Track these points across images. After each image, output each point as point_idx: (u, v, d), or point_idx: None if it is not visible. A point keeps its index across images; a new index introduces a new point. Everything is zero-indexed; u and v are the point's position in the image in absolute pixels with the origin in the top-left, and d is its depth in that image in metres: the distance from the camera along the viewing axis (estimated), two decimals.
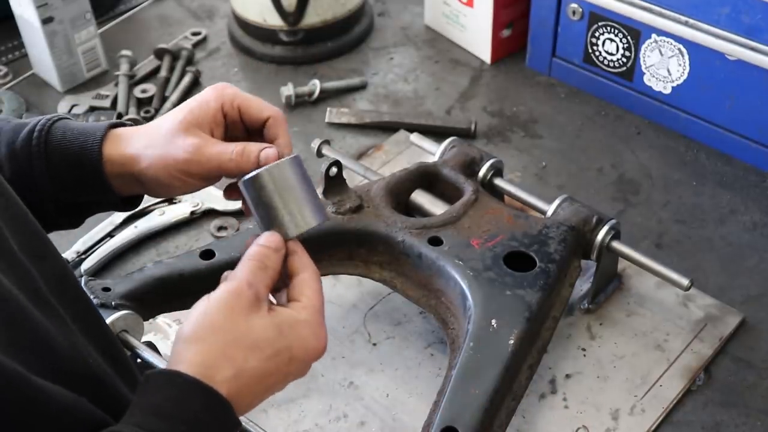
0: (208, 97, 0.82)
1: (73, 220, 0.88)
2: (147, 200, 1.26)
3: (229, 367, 0.68)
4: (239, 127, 0.83)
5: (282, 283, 0.77)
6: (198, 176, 0.80)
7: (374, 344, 1.11)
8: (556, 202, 1.10)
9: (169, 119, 0.81)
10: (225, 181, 0.84)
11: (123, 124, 0.84)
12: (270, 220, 0.77)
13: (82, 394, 0.64)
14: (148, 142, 0.81)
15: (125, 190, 0.84)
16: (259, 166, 0.78)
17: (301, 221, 0.77)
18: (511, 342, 0.95)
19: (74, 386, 0.64)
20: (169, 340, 1.10)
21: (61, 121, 0.83)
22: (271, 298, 0.76)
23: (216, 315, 0.69)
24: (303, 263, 0.77)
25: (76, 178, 0.81)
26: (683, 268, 1.10)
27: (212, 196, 1.26)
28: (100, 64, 1.53)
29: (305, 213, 0.77)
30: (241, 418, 0.98)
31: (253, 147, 0.79)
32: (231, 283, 0.71)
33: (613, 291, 1.15)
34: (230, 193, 0.84)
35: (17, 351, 0.61)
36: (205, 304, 0.70)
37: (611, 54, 1.41)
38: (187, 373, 0.66)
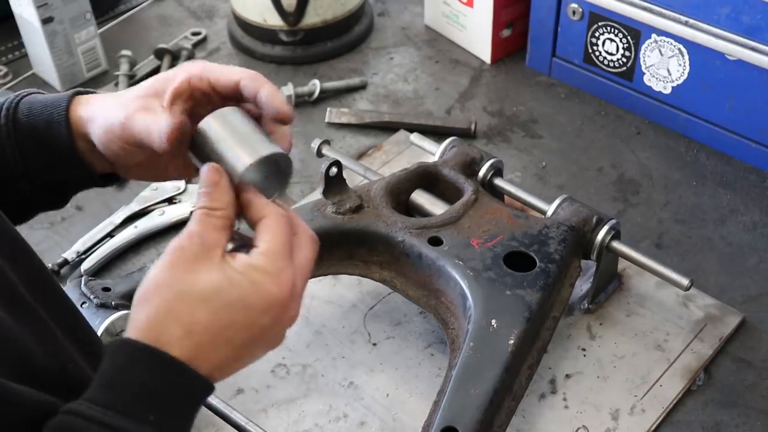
0: (175, 70, 0.78)
1: (54, 200, 0.84)
2: (147, 200, 1.27)
3: (176, 325, 0.64)
4: (214, 99, 0.78)
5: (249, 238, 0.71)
6: (130, 142, 0.76)
7: (374, 344, 1.11)
8: (556, 202, 1.10)
9: (136, 87, 0.79)
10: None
11: (89, 92, 0.82)
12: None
13: (59, 398, 0.62)
14: (105, 103, 0.78)
15: (98, 165, 0.81)
16: (167, 139, 0.73)
17: (245, 155, 0.70)
18: (511, 342, 0.95)
19: (50, 391, 0.62)
20: None
21: (29, 96, 0.80)
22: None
23: (160, 273, 0.65)
24: (260, 207, 0.71)
25: (46, 152, 0.78)
26: (683, 268, 1.10)
27: None
28: (100, 64, 1.53)
29: (250, 147, 0.71)
30: (241, 418, 0.98)
31: (169, 112, 0.74)
32: (175, 238, 0.67)
33: (613, 291, 1.15)
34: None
35: None
36: (154, 265, 0.67)
37: (611, 54, 1.41)
38: (133, 338, 0.63)
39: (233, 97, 0.76)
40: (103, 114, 0.77)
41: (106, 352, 0.64)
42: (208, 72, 0.76)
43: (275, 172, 0.74)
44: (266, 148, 0.71)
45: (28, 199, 0.80)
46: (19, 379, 0.61)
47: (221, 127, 0.72)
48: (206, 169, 0.70)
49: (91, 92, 0.82)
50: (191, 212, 0.71)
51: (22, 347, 0.64)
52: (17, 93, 0.81)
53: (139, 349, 0.63)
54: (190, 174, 0.80)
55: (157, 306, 0.64)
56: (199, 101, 0.77)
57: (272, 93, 0.74)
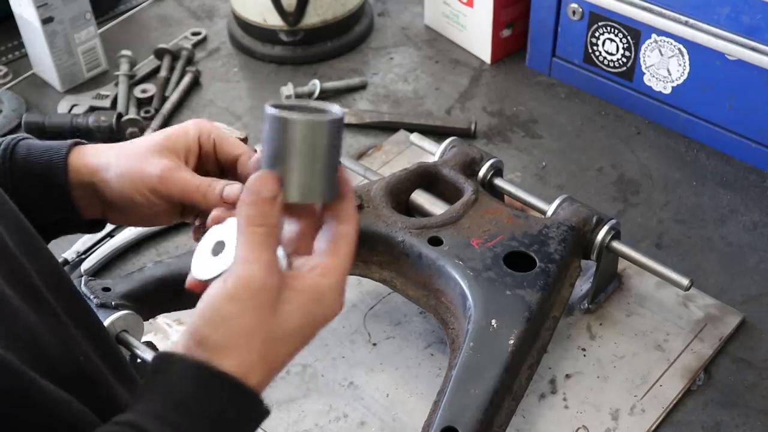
0: (187, 126, 0.83)
1: None
2: None
3: (264, 367, 0.64)
4: (212, 162, 0.83)
5: (306, 221, 0.69)
6: (164, 197, 0.80)
7: (374, 344, 1.11)
8: (556, 202, 1.10)
9: (145, 139, 0.82)
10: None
11: (87, 143, 0.84)
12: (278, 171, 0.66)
13: (71, 392, 0.63)
14: (120, 153, 0.81)
15: (88, 211, 0.83)
16: (222, 201, 0.77)
17: (307, 191, 0.66)
18: (511, 342, 0.95)
19: (63, 384, 0.63)
20: (169, 340, 1.10)
21: (26, 140, 0.83)
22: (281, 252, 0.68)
23: (243, 318, 0.63)
24: (347, 211, 0.68)
25: (41, 195, 0.81)
26: (683, 268, 1.10)
27: None
28: (100, 64, 1.53)
29: (316, 184, 0.66)
30: None
31: (220, 182, 0.78)
32: (247, 269, 0.64)
33: (613, 291, 1.15)
34: (198, 232, 0.81)
35: (4, 347, 0.60)
36: (224, 302, 0.63)
37: (611, 54, 1.41)
38: (223, 370, 0.62)
39: (228, 168, 0.82)
40: (124, 164, 0.80)
41: (172, 363, 0.63)
42: (217, 136, 0.82)
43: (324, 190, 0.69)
44: (329, 194, 0.67)
45: None
46: (34, 369, 0.61)
47: (313, 141, 0.65)
48: (266, 178, 0.66)
49: (88, 143, 0.85)
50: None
51: (38, 337, 0.64)
52: (12, 136, 0.83)
53: (227, 381, 0.63)
54: (170, 223, 0.86)
55: (250, 353, 0.64)
56: (200, 159, 0.83)
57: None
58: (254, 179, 0.66)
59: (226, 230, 0.69)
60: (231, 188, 0.78)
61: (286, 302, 0.65)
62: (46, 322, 0.66)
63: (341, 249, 0.67)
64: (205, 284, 0.66)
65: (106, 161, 0.81)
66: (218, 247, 0.68)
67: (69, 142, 0.82)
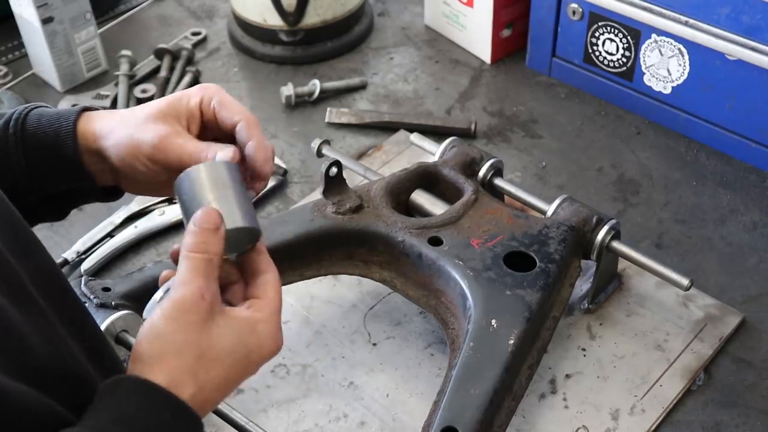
0: (190, 92, 0.82)
1: (56, 212, 0.87)
2: (147, 200, 1.27)
3: (194, 384, 0.68)
4: (215, 128, 0.82)
5: (235, 275, 0.75)
6: (161, 164, 0.79)
7: (374, 344, 1.11)
8: (556, 202, 1.10)
9: (148, 106, 0.81)
10: None
11: (96, 109, 0.84)
12: None
13: (56, 393, 0.63)
14: (121, 121, 0.81)
15: (101, 178, 0.83)
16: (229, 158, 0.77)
17: (230, 219, 0.73)
18: (511, 342, 0.95)
19: (47, 385, 0.63)
20: None
21: (38, 108, 0.83)
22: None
23: (175, 334, 0.68)
24: (266, 262, 0.75)
25: (53, 164, 0.81)
26: (683, 268, 1.10)
27: None
28: (100, 64, 1.53)
29: (237, 212, 0.73)
30: (241, 418, 0.98)
31: (213, 146, 0.78)
32: (181, 291, 0.69)
33: (613, 291, 1.15)
34: None
35: None
36: (160, 320, 0.69)
37: (611, 54, 1.41)
38: (159, 385, 0.66)
39: (228, 133, 0.81)
40: (122, 132, 0.80)
41: (119, 384, 0.66)
42: (217, 102, 0.80)
43: (242, 241, 0.76)
44: (250, 220, 0.74)
45: (32, 210, 0.82)
46: (17, 370, 0.61)
47: (217, 178, 0.74)
48: (209, 211, 0.72)
49: (98, 109, 0.85)
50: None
51: (24, 337, 0.64)
52: (25, 106, 0.83)
53: (164, 395, 0.66)
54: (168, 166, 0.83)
55: (179, 366, 0.68)
56: (205, 126, 0.82)
57: (259, 148, 0.79)
58: (199, 214, 0.71)
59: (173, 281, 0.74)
60: (224, 152, 0.77)
61: (219, 326, 0.70)
62: (31, 321, 0.66)
63: (269, 291, 0.74)
64: None
65: (108, 128, 0.80)
66: (166, 294, 0.72)
67: (78, 108, 0.82)
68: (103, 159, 0.81)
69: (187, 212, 0.74)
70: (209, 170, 0.74)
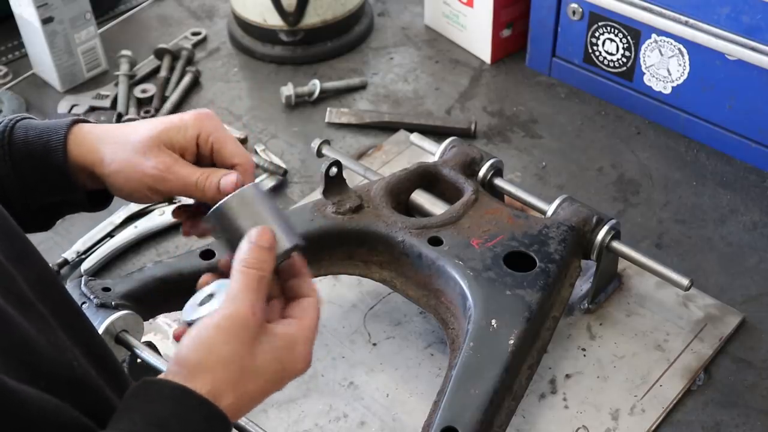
0: (187, 122, 0.82)
1: (44, 222, 0.87)
2: None
3: (233, 395, 0.69)
4: (208, 161, 0.83)
5: (276, 291, 0.77)
6: (162, 193, 0.81)
7: (374, 344, 1.11)
8: (556, 202, 1.10)
9: (142, 130, 0.81)
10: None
11: (86, 121, 0.84)
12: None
13: (65, 399, 0.63)
14: (117, 147, 0.81)
15: (91, 186, 0.84)
16: (219, 192, 0.79)
17: (280, 240, 0.75)
18: (511, 342, 0.95)
19: (57, 390, 0.63)
20: (169, 340, 1.10)
21: (24, 120, 0.82)
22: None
23: (224, 346, 0.69)
24: (311, 287, 0.77)
25: (41, 177, 0.81)
26: (683, 268, 1.10)
27: None
28: (100, 64, 1.53)
29: (283, 233, 0.76)
30: (241, 418, 0.98)
31: (217, 173, 0.80)
32: (235, 305, 0.70)
33: (613, 291, 1.15)
34: (178, 213, 0.85)
35: None
36: (211, 331, 0.69)
37: (611, 54, 1.41)
38: (197, 392, 0.66)
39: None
40: (121, 161, 0.80)
41: (154, 388, 0.67)
42: (216, 139, 0.82)
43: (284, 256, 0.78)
44: (293, 238, 0.77)
45: (19, 221, 0.81)
46: (30, 376, 0.61)
47: (250, 205, 0.77)
48: (265, 230, 0.74)
49: (91, 121, 0.84)
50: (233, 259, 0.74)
51: (33, 343, 0.64)
52: (11, 117, 0.83)
53: (203, 405, 0.67)
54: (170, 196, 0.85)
55: (223, 378, 0.68)
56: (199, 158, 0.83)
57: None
58: (256, 231, 0.73)
59: (215, 287, 0.76)
60: (227, 179, 0.79)
61: (263, 343, 0.71)
62: (36, 328, 0.66)
63: (311, 313, 0.75)
64: (185, 329, 0.72)
65: (103, 155, 0.80)
66: (207, 299, 0.74)
67: (67, 121, 0.82)
68: (97, 180, 0.82)
69: (234, 235, 0.75)
70: (244, 197, 0.77)
